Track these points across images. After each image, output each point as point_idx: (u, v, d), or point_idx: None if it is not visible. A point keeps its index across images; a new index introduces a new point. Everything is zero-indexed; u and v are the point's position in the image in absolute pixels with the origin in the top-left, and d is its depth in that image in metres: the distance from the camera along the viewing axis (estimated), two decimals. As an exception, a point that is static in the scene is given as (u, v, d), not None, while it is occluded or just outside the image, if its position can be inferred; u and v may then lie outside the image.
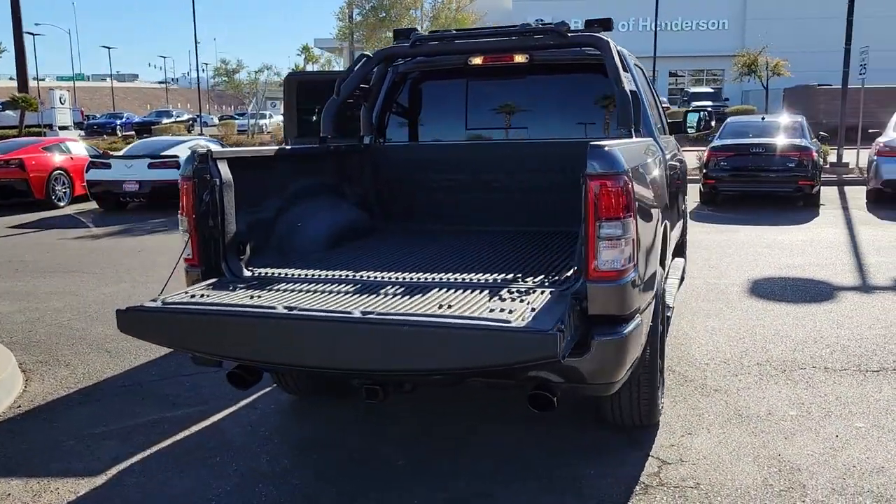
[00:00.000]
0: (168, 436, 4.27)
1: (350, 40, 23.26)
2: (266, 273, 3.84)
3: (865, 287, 7.46)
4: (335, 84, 5.01)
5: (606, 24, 4.89)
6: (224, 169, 3.77)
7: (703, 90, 41.15)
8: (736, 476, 3.63)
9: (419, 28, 23.22)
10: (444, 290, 3.36)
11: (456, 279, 3.52)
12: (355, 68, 5.07)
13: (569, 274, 3.49)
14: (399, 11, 21.90)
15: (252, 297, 3.33)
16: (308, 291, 3.43)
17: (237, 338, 3.09)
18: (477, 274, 3.62)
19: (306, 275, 3.77)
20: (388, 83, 5.44)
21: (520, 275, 3.59)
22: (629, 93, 4.39)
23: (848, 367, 5.12)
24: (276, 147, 4.38)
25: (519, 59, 5.09)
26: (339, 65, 33.80)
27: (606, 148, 3.10)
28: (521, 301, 3.09)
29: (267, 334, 3.03)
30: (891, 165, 13.18)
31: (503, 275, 3.60)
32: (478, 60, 5.15)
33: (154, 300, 3.30)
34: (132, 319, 3.22)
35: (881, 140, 13.84)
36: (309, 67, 75.94)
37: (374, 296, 3.31)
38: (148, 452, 4.06)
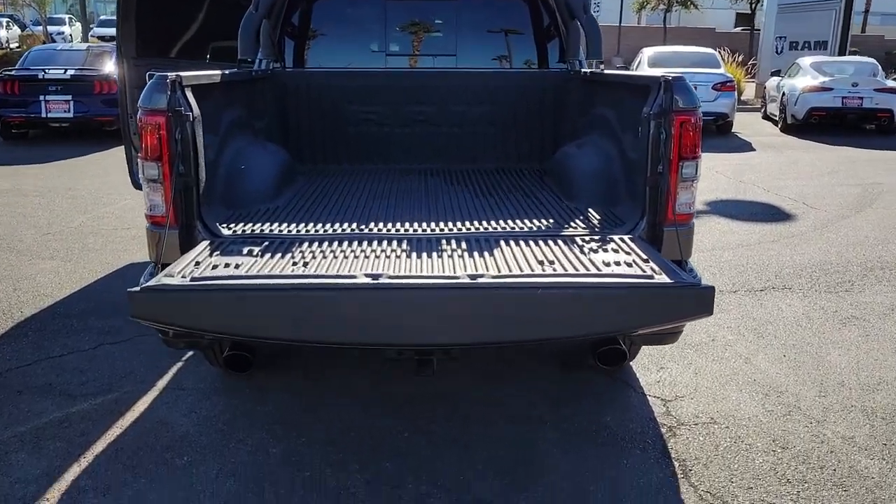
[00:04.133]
0: (94, 437, 3.38)
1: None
2: (251, 230, 3.12)
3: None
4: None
5: None
6: (192, 100, 2.95)
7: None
8: (738, 407, 3.74)
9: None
10: (510, 241, 2.96)
11: (498, 228, 3.13)
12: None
13: (612, 217, 3.28)
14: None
15: (295, 264, 2.66)
16: (348, 256, 2.81)
17: (312, 316, 2.44)
18: (506, 221, 3.25)
19: (307, 231, 3.12)
20: None
21: (551, 220, 3.29)
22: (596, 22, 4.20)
23: (738, 290, 5.56)
24: (219, 71, 3.52)
25: None
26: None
27: (686, 80, 2.90)
28: (616, 252, 2.82)
29: (358, 309, 2.43)
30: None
31: (529, 220, 3.28)
32: None
33: (170, 276, 2.49)
34: (151, 301, 2.40)
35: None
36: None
37: (443, 255, 2.81)
38: (85, 463, 3.17)
